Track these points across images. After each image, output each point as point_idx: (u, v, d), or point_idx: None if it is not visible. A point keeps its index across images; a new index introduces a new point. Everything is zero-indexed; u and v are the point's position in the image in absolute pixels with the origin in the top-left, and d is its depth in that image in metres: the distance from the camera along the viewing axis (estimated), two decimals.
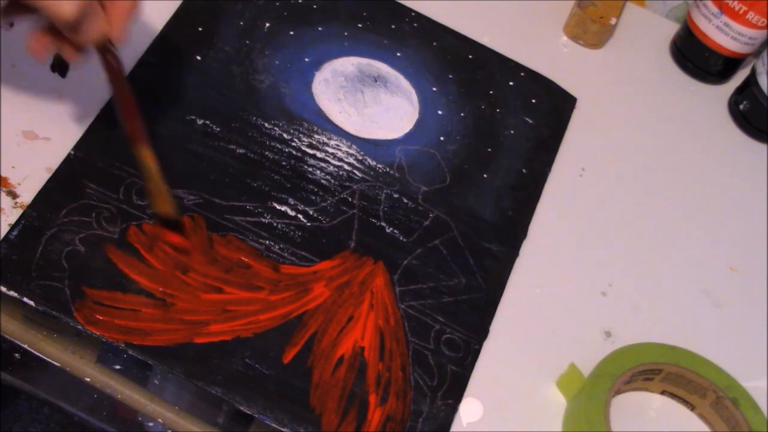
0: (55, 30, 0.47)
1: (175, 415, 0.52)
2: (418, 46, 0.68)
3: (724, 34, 0.70)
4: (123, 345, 0.50)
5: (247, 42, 0.64)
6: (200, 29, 0.64)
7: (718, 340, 0.60)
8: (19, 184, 0.54)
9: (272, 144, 0.60)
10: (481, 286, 0.58)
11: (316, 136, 0.61)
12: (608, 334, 0.59)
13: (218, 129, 0.60)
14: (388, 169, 0.61)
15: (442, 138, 0.64)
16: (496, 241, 0.60)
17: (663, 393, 0.57)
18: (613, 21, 0.72)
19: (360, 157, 0.61)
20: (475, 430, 0.53)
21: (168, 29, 0.63)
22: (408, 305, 0.56)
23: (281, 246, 0.56)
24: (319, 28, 0.67)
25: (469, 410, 0.53)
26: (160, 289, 0.52)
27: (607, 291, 0.61)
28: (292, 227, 0.57)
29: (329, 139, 0.62)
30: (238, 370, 0.51)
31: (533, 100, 0.68)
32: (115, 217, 0.54)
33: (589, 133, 0.68)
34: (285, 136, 0.61)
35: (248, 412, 0.50)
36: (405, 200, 0.60)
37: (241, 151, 0.59)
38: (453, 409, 0.53)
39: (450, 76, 0.68)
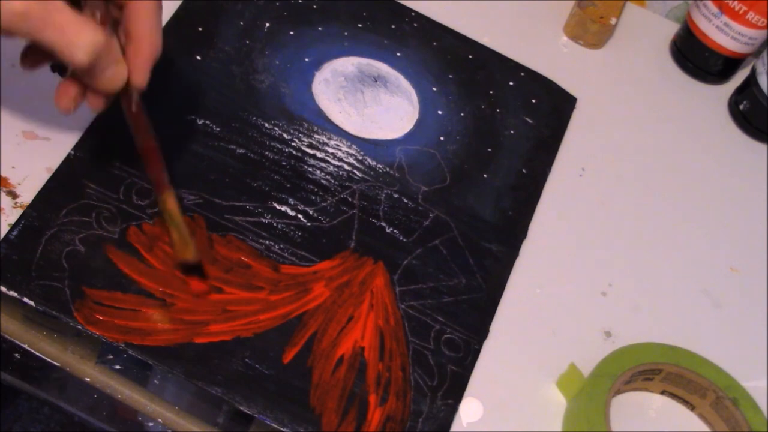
0: (80, 77, 0.47)
1: (175, 415, 0.52)
2: (418, 46, 0.68)
3: (724, 34, 0.70)
4: (123, 345, 0.50)
5: (247, 42, 0.64)
6: (200, 29, 0.64)
7: (718, 340, 0.60)
8: (19, 184, 0.54)
9: (272, 144, 0.60)
10: (481, 286, 0.58)
11: (316, 136, 0.61)
12: (608, 334, 0.59)
13: (218, 129, 0.60)
14: (388, 169, 0.61)
15: (442, 138, 0.64)
16: (496, 241, 0.60)
17: (663, 393, 0.57)
18: (613, 21, 0.72)
19: (360, 157, 0.61)
20: (475, 430, 0.53)
21: (168, 29, 0.63)
22: (408, 305, 0.56)
23: (281, 246, 0.56)
24: (319, 28, 0.67)
25: (469, 410, 0.53)
26: (160, 289, 0.52)
27: (607, 291, 0.61)
28: (292, 227, 0.57)
29: (329, 139, 0.62)
30: (238, 370, 0.51)
31: (533, 100, 0.68)
32: (115, 217, 0.54)
33: (589, 133, 0.68)
34: (285, 136, 0.61)
35: (248, 412, 0.50)
36: (405, 200, 0.60)
37: (241, 151, 0.59)
38: (453, 409, 0.53)
39: (450, 76, 0.68)
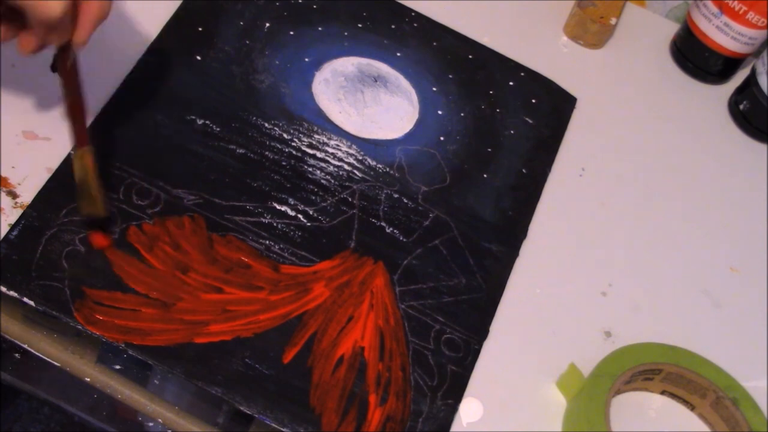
0: (14, 19, 0.46)
1: (175, 415, 0.52)
2: (418, 46, 0.68)
3: (724, 34, 0.70)
4: (123, 345, 0.50)
5: (247, 42, 0.64)
6: (200, 29, 0.64)
7: (718, 340, 0.60)
8: (19, 184, 0.54)
9: (272, 144, 0.60)
10: (481, 286, 0.58)
11: (316, 136, 0.61)
12: (608, 334, 0.59)
13: (218, 129, 0.60)
14: (388, 169, 0.61)
15: (442, 138, 0.64)
16: (496, 241, 0.60)
17: (663, 393, 0.57)
18: (613, 21, 0.72)
19: (360, 157, 0.61)
20: (475, 430, 0.53)
21: (168, 29, 0.63)
22: (408, 305, 0.56)
23: (281, 246, 0.56)
24: (319, 28, 0.67)
25: (469, 410, 0.53)
26: (161, 289, 0.52)
27: (607, 291, 0.61)
28: (292, 227, 0.57)
29: (329, 139, 0.62)
30: (238, 370, 0.51)
31: (533, 100, 0.68)
32: (115, 217, 0.54)
33: (589, 133, 0.68)
34: (285, 136, 0.61)
35: (248, 412, 0.50)
36: (405, 200, 0.60)
37: (241, 151, 0.59)
38: (453, 409, 0.53)
39: (450, 76, 0.68)
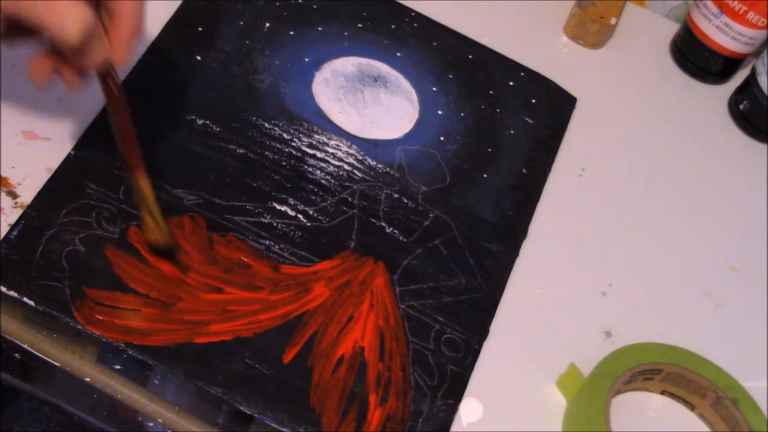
0: (56, 52, 0.46)
1: (175, 415, 0.52)
2: (418, 46, 0.68)
3: (724, 34, 0.70)
4: (123, 345, 0.50)
5: (247, 42, 0.64)
6: (200, 29, 0.64)
7: (718, 340, 0.60)
8: (19, 184, 0.54)
9: (272, 144, 0.60)
10: (481, 286, 0.58)
11: (316, 136, 0.61)
12: (608, 334, 0.59)
13: (218, 129, 0.60)
14: (388, 169, 0.61)
15: (442, 138, 0.64)
16: (496, 241, 0.60)
17: (663, 393, 0.57)
18: (613, 21, 0.72)
19: (360, 157, 0.61)
20: (475, 430, 0.53)
21: (168, 29, 0.63)
22: (408, 305, 0.56)
23: (281, 246, 0.56)
24: (319, 28, 0.67)
25: (469, 410, 0.53)
26: (161, 289, 0.52)
27: (607, 291, 0.61)
28: (292, 227, 0.57)
29: (329, 139, 0.62)
30: (238, 370, 0.51)
31: (533, 100, 0.68)
32: (115, 217, 0.54)
33: (589, 133, 0.68)
34: (285, 136, 0.61)
35: (248, 412, 0.50)
36: (405, 200, 0.60)
37: (241, 151, 0.59)
38: (453, 409, 0.53)
39: (450, 76, 0.68)
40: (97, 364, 0.52)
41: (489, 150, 0.65)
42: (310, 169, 0.60)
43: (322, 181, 0.59)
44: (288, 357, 0.52)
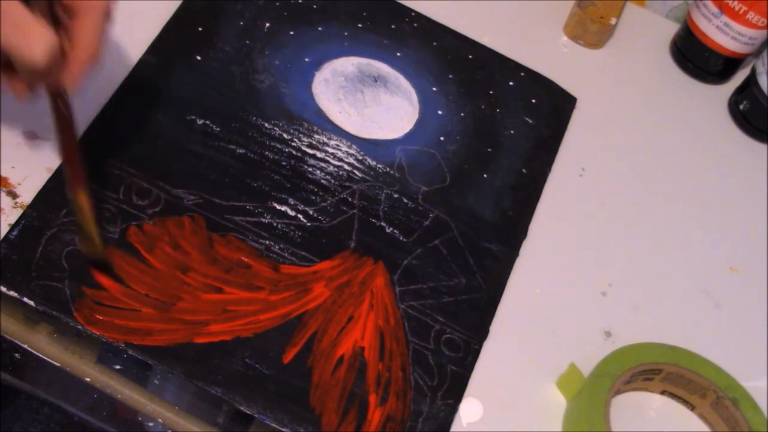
0: (8, 67, 0.46)
1: (175, 415, 0.52)
2: (418, 46, 0.68)
3: (724, 34, 0.70)
4: (123, 345, 0.50)
5: (247, 42, 0.64)
6: (200, 29, 0.64)
7: (718, 340, 0.60)
8: (19, 184, 0.54)
9: (272, 144, 0.60)
10: (481, 286, 0.58)
11: (316, 136, 0.61)
12: (608, 334, 0.59)
13: (218, 129, 0.60)
14: (388, 169, 0.61)
15: (442, 138, 0.64)
16: (496, 241, 0.60)
17: (663, 393, 0.57)
18: (613, 21, 0.72)
19: (360, 157, 0.61)
20: (475, 430, 0.53)
21: (168, 29, 0.63)
22: (408, 305, 0.56)
23: (281, 246, 0.56)
24: (319, 28, 0.67)
25: (469, 410, 0.53)
26: (161, 289, 0.52)
27: (607, 291, 0.61)
28: (292, 227, 0.57)
29: (329, 139, 0.62)
30: (238, 370, 0.51)
31: (533, 100, 0.68)
32: (115, 217, 0.54)
33: (589, 133, 0.68)
34: (285, 136, 0.61)
35: (248, 412, 0.50)
36: (405, 200, 0.60)
37: (241, 151, 0.59)
38: (453, 409, 0.53)
39: (450, 76, 0.68)
40: (97, 364, 0.52)
41: (489, 150, 0.65)
42: (310, 169, 0.60)
43: (322, 181, 0.59)
44: (288, 357, 0.52)
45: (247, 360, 0.51)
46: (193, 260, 0.54)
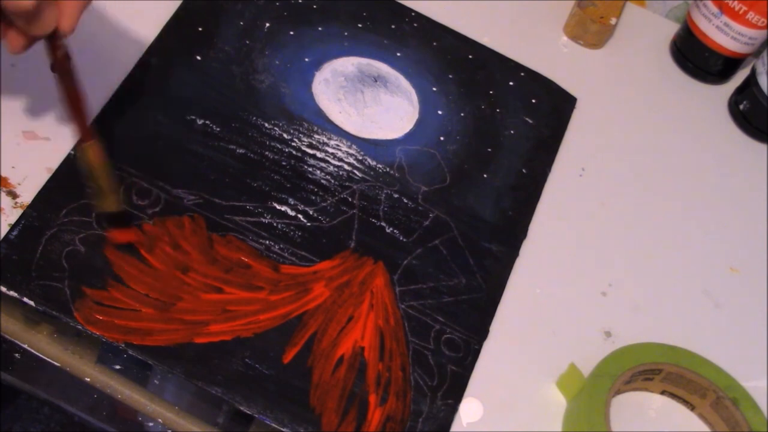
0: (2, 17, 0.45)
1: (175, 415, 0.52)
2: (418, 46, 0.68)
3: (724, 34, 0.70)
4: (123, 345, 0.50)
5: (247, 42, 0.64)
6: (200, 29, 0.64)
7: (718, 340, 0.60)
8: (19, 184, 0.54)
9: (272, 144, 0.60)
10: (481, 286, 0.58)
11: (316, 136, 0.61)
12: (608, 334, 0.59)
13: (218, 129, 0.60)
14: (388, 169, 0.61)
15: (442, 138, 0.64)
16: (496, 241, 0.60)
17: (663, 393, 0.57)
18: (613, 21, 0.72)
19: (360, 157, 0.61)
20: (475, 430, 0.53)
21: (168, 29, 0.63)
22: (408, 305, 0.56)
23: (281, 246, 0.56)
24: (319, 28, 0.67)
25: (469, 410, 0.53)
26: (161, 289, 0.52)
27: (607, 291, 0.61)
28: (292, 227, 0.57)
29: (329, 139, 0.62)
30: (238, 370, 0.51)
31: (533, 100, 0.68)
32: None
33: (589, 133, 0.68)
34: (285, 136, 0.61)
35: (248, 412, 0.50)
36: (405, 200, 0.60)
37: (241, 151, 0.59)
38: (453, 409, 0.53)
39: (450, 76, 0.68)
40: (97, 364, 0.52)
41: (489, 150, 0.65)
42: (310, 169, 0.60)
43: (322, 181, 0.59)
44: (288, 357, 0.52)
45: (247, 360, 0.51)
46: (193, 260, 0.54)
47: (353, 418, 0.51)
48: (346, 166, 0.61)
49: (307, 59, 0.65)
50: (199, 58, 0.63)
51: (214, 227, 0.55)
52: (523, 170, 0.64)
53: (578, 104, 0.69)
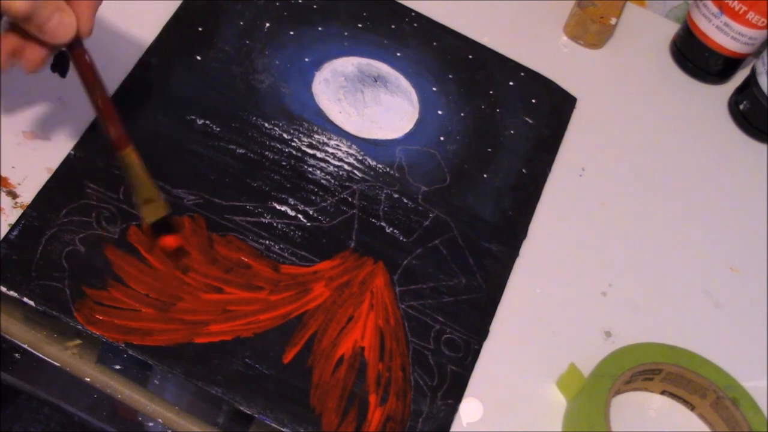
0: (20, 31, 0.45)
1: (175, 415, 0.52)
2: (418, 46, 0.68)
3: (724, 34, 0.70)
4: (123, 345, 0.50)
5: (247, 42, 0.64)
6: (200, 29, 0.64)
7: (718, 340, 0.60)
8: (19, 184, 0.54)
9: (272, 144, 0.60)
10: (481, 286, 0.58)
11: (316, 136, 0.61)
12: (608, 334, 0.59)
13: (218, 129, 0.60)
14: (388, 169, 0.61)
15: (442, 138, 0.64)
16: (496, 241, 0.60)
17: (663, 393, 0.57)
18: (613, 21, 0.72)
19: (360, 157, 0.61)
20: (475, 430, 0.53)
21: (168, 29, 0.63)
22: (408, 305, 0.56)
23: (281, 246, 0.56)
24: (319, 28, 0.67)
25: (469, 410, 0.53)
26: (160, 289, 0.52)
27: (607, 291, 0.61)
28: (292, 227, 0.57)
29: (329, 139, 0.62)
30: (238, 370, 0.51)
31: (533, 100, 0.68)
32: (115, 217, 0.54)
33: (589, 133, 0.68)
34: (285, 136, 0.61)
35: (248, 412, 0.50)
36: (405, 200, 0.60)
37: (241, 151, 0.59)
38: (453, 409, 0.53)
39: (450, 76, 0.68)
40: (97, 364, 0.52)
41: (489, 150, 0.65)
42: (310, 169, 0.60)
43: (322, 181, 0.59)
44: (288, 357, 0.52)
45: (247, 360, 0.51)
46: (193, 260, 0.54)
47: (353, 418, 0.51)
48: (346, 166, 0.61)
49: (307, 59, 0.65)
50: (199, 58, 0.63)
51: (214, 227, 0.55)
52: (523, 170, 0.64)
53: (578, 104, 0.69)
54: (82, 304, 0.50)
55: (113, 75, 0.59)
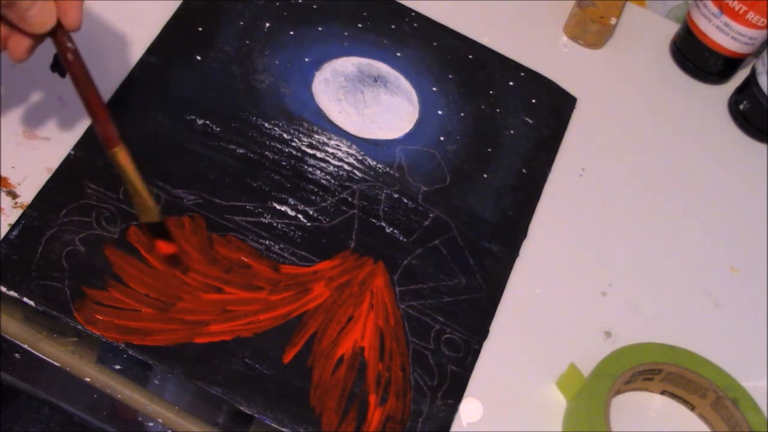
0: (4, 20, 0.45)
1: (175, 415, 0.52)
2: (418, 46, 0.68)
3: (724, 34, 0.70)
4: (123, 345, 0.50)
5: (247, 42, 0.64)
6: (200, 29, 0.64)
7: (718, 340, 0.60)
8: (19, 184, 0.54)
9: (272, 144, 0.60)
10: (481, 286, 0.58)
11: (316, 136, 0.61)
12: (608, 334, 0.59)
13: (218, 129, 0.60)
14: (388, 169, 0.61)
15: (442, 138, 0.64)
16: (496, 241, 0.60)
17: (663, 393, 0.57)
18: (613, 21, 0.72)
19: (360, 157, 0.61)
20: (475, 430, 0.53)
21: (168, 29, 0.63)
22: (408, 305, 0.56)
23: (281, 246, 0.56)
24: (319, 28, 0.67)
25: (469, 410, 0.53)
26: (160, 289, 0.52)
27: (607, 291, 0.61)
28: (292, 227, 0.57)
29: (329, 139, 0.62)
30: (238, 370, 0.51)
31: (533, 100, 0.68)
32: (115, 217, 0.54)
33: (589, 133, 0.68)
34: (285, 136, 0.61)
35: (248, 412, 0.50)
36: (405, 200, 0.60)
37: (241, 151, 0.59)
38: (453, 409, 0.53)
39: (450, 76, 0.68)
40: (97, 364, 0.52)
41: (489, 150, 0.65)
42: (310, 169, 0.60)
43: (322, 181, 0.59)
44: (288, 357, 0.52)
45: (247, 360, 0.51)
46: (193, 260, 0.54)
47: (353, 418, 0.51)
48: (346, 166, 0.61)
49: (307, 59, 0.65)
50: (199, 58, 0.63)
51: (214, 227, 0.55)
52: (523, 170, 0.64)
53: (578, 104, 0.69)
54: (82, 304, 0.50)
55: (113, 75, 0.60)
